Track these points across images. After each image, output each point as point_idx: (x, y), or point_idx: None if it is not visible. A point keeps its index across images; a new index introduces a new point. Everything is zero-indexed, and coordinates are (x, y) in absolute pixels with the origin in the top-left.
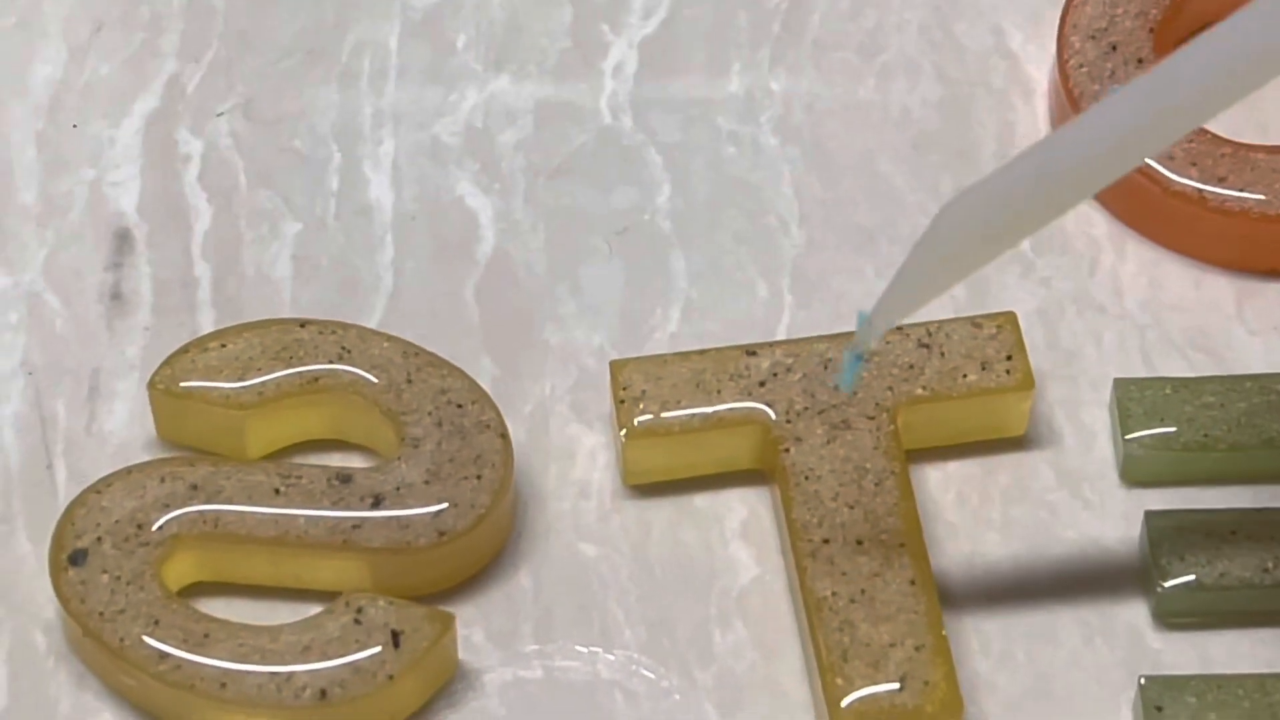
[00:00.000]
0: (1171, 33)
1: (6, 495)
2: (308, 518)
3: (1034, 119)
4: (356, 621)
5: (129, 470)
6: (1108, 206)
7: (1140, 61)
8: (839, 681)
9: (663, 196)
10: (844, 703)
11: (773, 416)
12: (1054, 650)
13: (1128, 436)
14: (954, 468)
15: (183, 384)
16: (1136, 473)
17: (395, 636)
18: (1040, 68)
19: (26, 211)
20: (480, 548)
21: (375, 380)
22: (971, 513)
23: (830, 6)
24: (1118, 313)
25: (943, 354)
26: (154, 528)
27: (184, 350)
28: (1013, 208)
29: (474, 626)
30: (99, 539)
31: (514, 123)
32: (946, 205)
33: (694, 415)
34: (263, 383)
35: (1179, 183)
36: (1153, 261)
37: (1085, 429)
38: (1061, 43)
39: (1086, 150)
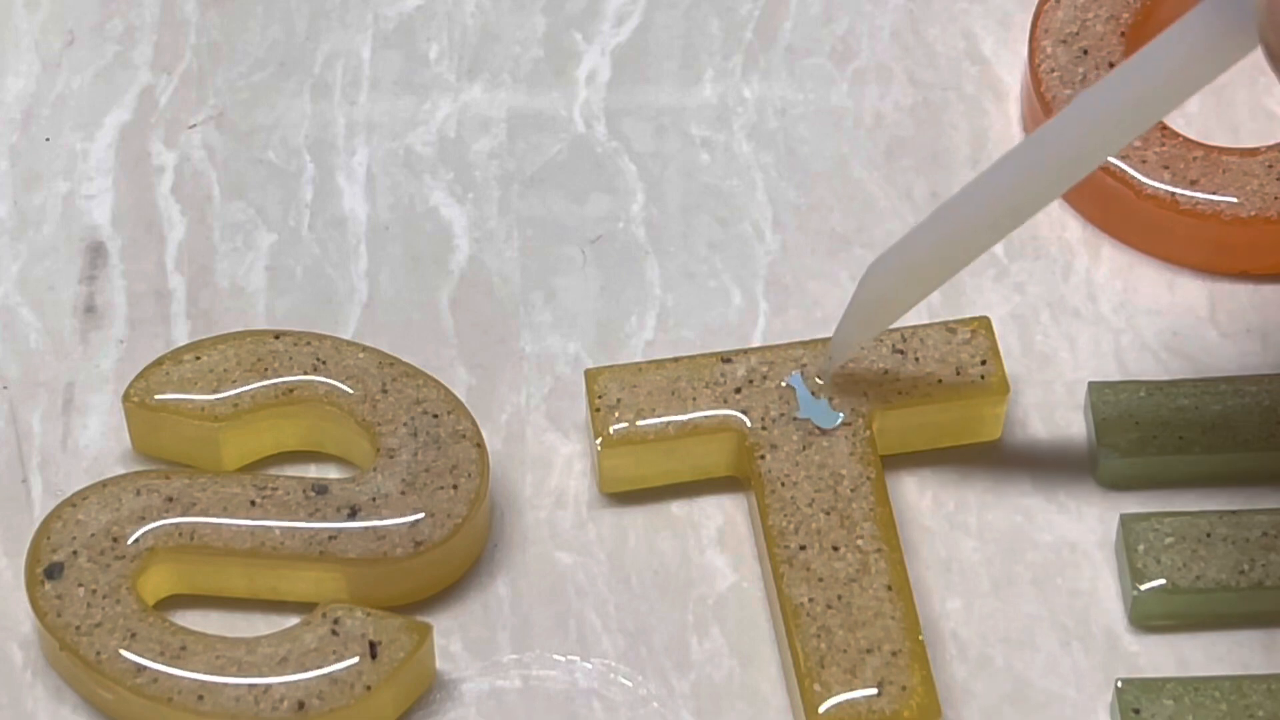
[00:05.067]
0: (1143, 36)
1: None
2: (284, 529)
3: (1006, 123)
4: (334, 632)
5: (104, 483)
6: (1081, 210)
7: (1112, 65)
8: (816, 687)
9: (637, 204)
10: (822, 708)
11: (748, 424)
12: (1031, 654)
13: (1103, 440)
14: (929, 473)
15: (157, 397)
16: (1112, 476)
17: (373, 647)
18: (1012, 72)
19: (0, 225)
20: (457, 557)
21: (350, 391)
22: (947, 517)
23: (802, 13)
24: (1092, 316)
25: (917, 359)
26: (129, 541)
27: (158, 363)
28: (934, 257)
29: (451, 636)
30: (75, 553)
31: (487, 132)
32: (875, 262)
33: (669, 423)
34: (238, 394)
35: (1151, 186)
36: (1126, 265)
37: (1060, 433)
38: (1033, 47)
39: (999, 199)
